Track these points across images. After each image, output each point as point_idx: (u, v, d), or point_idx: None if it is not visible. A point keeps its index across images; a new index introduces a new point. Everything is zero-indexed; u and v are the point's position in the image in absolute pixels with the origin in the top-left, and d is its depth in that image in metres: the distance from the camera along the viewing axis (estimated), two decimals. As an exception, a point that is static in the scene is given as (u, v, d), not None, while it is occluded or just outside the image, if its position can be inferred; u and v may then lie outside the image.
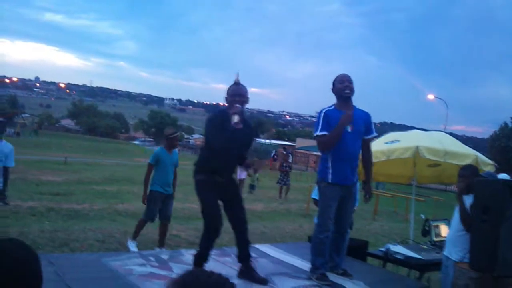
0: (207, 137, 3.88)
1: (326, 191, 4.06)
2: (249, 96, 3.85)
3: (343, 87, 4.04)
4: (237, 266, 4.04)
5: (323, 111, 4.08)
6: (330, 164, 4.03)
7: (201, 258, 3.85)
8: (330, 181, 4.03)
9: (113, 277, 3.58)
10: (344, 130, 3.95)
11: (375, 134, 4.34)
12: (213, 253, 4.07)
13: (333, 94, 4.14)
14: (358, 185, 4.50)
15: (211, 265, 3.97)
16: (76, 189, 12.31)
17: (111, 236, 6.55)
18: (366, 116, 4.18)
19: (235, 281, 3.81)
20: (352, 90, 4.07)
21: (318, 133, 4.01)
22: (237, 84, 3.83)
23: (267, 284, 3.78)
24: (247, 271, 3.92)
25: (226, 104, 3.83)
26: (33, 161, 19.50)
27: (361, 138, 4.16)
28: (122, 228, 7.20)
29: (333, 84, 4.13)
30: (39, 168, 16.73)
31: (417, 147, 5.62)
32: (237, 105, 3.67)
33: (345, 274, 4.23)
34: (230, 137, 3.59)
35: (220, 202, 3.88)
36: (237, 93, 3.76)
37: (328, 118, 4.00)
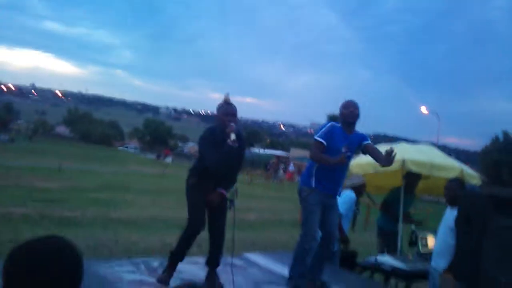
0: (202, 155, 3.93)
1: (309, 197, 4.10)
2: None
3: (347, 113, 4.14)
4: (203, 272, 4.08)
5: (332, 123, 4.19)
6: (314, 172, 4.12)
7: (176, 257, 3.88)
8: (313, 186, 4.10)
9: (102, 284, 3.62)
10: (339, 151, 3.99)
11: (370, 142, 4.30)
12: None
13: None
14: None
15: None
16: (69, 196, 12.29)
17: (103, 244, 6.58)
18: (361, 138, 4.23)
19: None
20: (356, 117, 4.15)
21: (317, 137, 4.10)
22: (228, 103, 3.92)
23: None
24: (210, 277, 3.98)
25: (217, 121, 3.92)
26: (27, 168, 19.46)
27: (350, 159, 4.26)
28: (114, 236, 7.24)
29: (340, 109, 4.22)
30: (33, 175, 16.70)
31: (403, 160, 5.72)
32: (232, 124, 3.77)
33: (323, 286, 4.28)
34: (225, 155, 3.71)
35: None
36: (230, 112, 3.86)
37: (333, 133, 4.10)
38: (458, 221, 3.78)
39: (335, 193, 4.23)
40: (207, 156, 3.84)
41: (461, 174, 5.73)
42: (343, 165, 4.15)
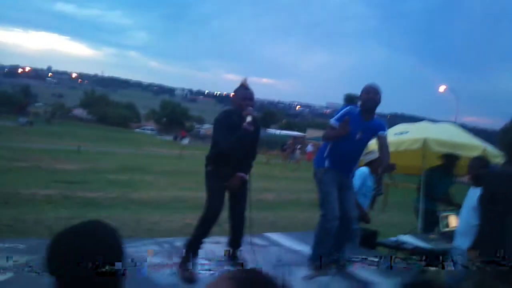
0: (217, 138, 3.96)
1: (324, 177, 4.13)
2: None
3: (368, 98, 4.13)
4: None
5: (351, 107, 4.19)
6: (327, 153, 4.16)
7: (194, 245, 3.87)
8: (326, 165, 4.13)
9: (128, 263, 3.67)
10: (353, 136, 4.04)
11: (385, 133, 4.29)
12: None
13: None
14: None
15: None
16: (89, 178, 12.47)
17: (125, 224, 6.67)
18: (379, 126, 4.22)
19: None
20: (375, 102, 4.14)
21: (332, 122, 4.12)
22: (246, 88, 3.93)
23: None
24: (231, 257, 4.01)
25: (233, 105, 3.96)
26: (46, 150, 19.75)
27: (365, 145, 4.30)
28: (135, 216, 7.33)
29: (361, 93, 4.21)
30: (53, 157, 16.96)
31: (425, 139, 5.66)
32: (250, 108, 3.78)
33: (344, 266, 4.25)
34: (240, 139, 3.72)
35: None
36: (247, 97, 3.87)
37: (349, 117, 4.06)
38: (482, 199, 3.74)
39: (349, 172, 4.25)
40: (222, 140, 3.85)
41: (483, 152, 5.66)
42: (357, 145, 4.17)
